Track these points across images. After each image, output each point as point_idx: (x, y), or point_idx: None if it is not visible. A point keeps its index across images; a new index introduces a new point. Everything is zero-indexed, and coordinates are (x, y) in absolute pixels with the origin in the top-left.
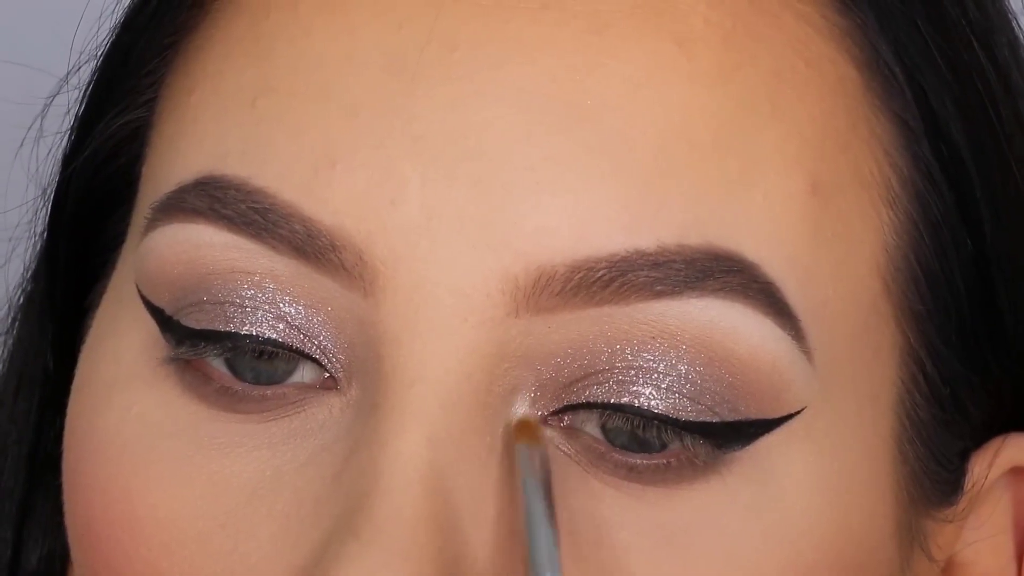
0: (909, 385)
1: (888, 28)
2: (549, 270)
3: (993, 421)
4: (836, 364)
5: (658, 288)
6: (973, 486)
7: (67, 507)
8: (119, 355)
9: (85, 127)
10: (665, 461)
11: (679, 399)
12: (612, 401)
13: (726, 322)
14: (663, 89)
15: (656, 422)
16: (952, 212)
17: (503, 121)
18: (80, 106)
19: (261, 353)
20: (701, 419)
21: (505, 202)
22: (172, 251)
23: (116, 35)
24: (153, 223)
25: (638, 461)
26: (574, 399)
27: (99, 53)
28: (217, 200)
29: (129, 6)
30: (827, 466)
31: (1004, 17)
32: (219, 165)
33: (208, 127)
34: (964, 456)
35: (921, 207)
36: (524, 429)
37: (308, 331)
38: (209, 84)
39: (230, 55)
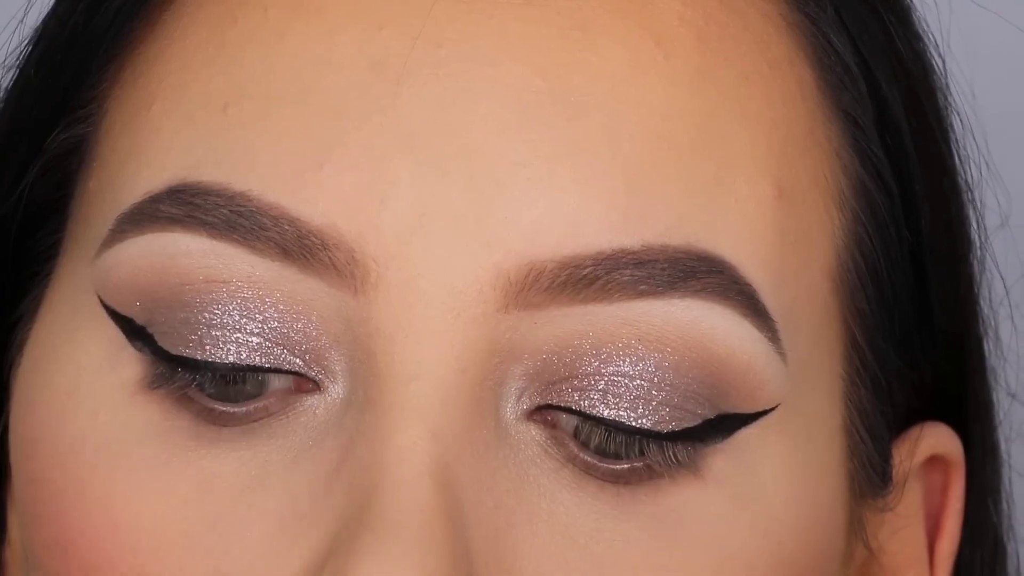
0: (855, 378)
1: (848, 16)
2: (539, 266)
3: (910, 409)
4: (802, 363)
5: (641, 287)
6: (898, 474)
7: (30, 517)
8: (79, 365)
9: (11, 146)
10: (648, 464)
11: (660, 407)
12: (595, 414)
13: (706, 323)
14: (644, 88)
15: (637, 436)
16: (896, 206)
17: (493, 118)
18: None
19: (235, 379)
20: (682, 426)
21: (497, 198)
22: (145, 261)
23: (41, 54)
24: (120, 234)
25: (624, 467)
26: (557, 400)
27: (18, 64)
28: (196, 207)
29: (49, 23)
30: (800, 459)
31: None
32: (192, 173)
33: (174, 137)
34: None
35: (868, 206)
36: None
37: (286, 338)
38: (171, 95)
39: (191, 65)
